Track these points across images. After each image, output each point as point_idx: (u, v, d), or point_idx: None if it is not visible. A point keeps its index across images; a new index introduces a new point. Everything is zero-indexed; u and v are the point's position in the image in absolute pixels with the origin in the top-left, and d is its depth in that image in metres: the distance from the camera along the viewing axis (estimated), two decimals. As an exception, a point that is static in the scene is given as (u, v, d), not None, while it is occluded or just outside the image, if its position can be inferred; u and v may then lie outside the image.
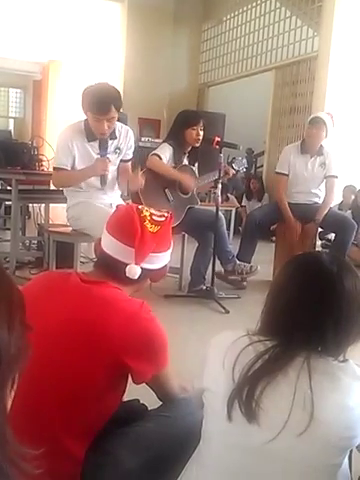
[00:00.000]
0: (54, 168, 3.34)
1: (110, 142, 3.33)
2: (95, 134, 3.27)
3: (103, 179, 3.34)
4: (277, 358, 1.12)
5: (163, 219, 1.46)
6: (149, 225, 1.41)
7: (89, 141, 3.30)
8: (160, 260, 1.47)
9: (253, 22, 8.07)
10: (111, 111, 3.15)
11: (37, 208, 4.97)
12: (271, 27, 7.64)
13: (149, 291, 3.76)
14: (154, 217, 1.44)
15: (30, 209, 5.23)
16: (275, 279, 1.26)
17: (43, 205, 4.80)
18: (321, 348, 1.14)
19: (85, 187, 3.39)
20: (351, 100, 6.41)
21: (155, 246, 1.42)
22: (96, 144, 3.30)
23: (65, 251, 3.69)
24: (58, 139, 3.38)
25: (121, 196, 3.65)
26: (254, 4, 8.03)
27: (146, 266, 1.42)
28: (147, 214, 1.43)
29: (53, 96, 12.60)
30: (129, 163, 3.54)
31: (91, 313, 1.31)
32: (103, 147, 3.29)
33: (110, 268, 1.43)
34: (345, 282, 1.15)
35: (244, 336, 1.18)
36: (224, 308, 3.71)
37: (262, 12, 7.86)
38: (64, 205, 3.57)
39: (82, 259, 4.17)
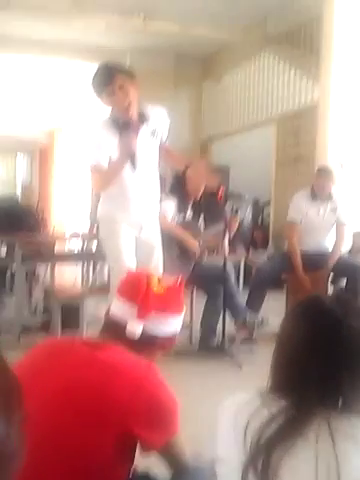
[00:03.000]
0: (90, 169, 3.05)
1: (143, 126, 3.04)
2: (121, 119, 2.97)
3: (133, 161, 2.99)
4: (293, 420, 1.01)
5: (171, 283, 1.46)
6: (156, 287, 1.41)
7: (118, 129, 3.01)
8: (166, 323, 1.42)
9: (252, 77, 8.24)
10: (116, 78, 2.90)
11: (43, 272, 4.94)
12: (270, 81, 7.79)
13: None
14: (163, 281, 1.45)
15: (37, 273, 5.20)
16: (280, 330, 1.16)
17: (49, 268, 4.76)
18: (341, 403, 1.03)
19: (117, 192, 3.07)
20: (354, 147, 6.43)
21: (160, 305, 1.38)
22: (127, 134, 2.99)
23: (72, 313, 3.63)
24: (88, 137, 3.13)
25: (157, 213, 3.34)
26: (252, 59, 8.22)
27: (150, 327, 1.37)
28: (156, 278, 1.44)
29: (59, 162, 12.90)
30: (168, 143, 3.26)
31: (96, 380, 1.25)
32: (125, 128, 2.97)
33: (115, 330, 1.40)
34: (351, 323, 1.05)
35: (255, 397, 1.08)
36: (237, 364, 3.58)
37: (260, 67, 8.04)
38: (68, 267, 3.51)
39: (89, 319, 4.07)
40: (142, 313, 1.36)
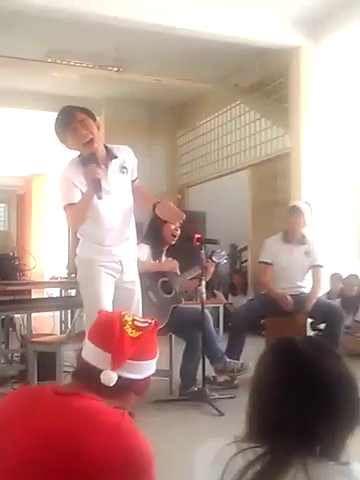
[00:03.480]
0: (64, 209, 3.03)
1: (114, 162, 3.05)
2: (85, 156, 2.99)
3: (97, 186, 2.92)
4: (269, 467, 0.99)
5: (146, 325, 1.39)
6: (130, 330, 1.35)
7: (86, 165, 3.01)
8: (141, 369, 1.38)
9: (225, 126, 8.44)
10: (76, 115, 2.94)
11: (20, 319, 4.86)
12: (242, 129, 7.99)
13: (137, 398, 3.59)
14: (136, 323, 1.38)
15: (14, 321, 5.12)
16: (253, 373, 1.15)
17: (25, 315, 4.69)
18: (319, 448, 1.01)
19: (94, 234, 3.07)
20: (328, 190, 6.58)
21: (135, 352, 1.33)
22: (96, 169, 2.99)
23: (49, 361, 3.56)
24: (59, 181, 3.11)
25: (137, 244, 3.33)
26: (224, 109, 8.44)
27: (125, 375, 1.33)
28: (129, 319, 1.38)
29: (37, 209, 12.92)
30: (138, 181, 3.25)
31: (66, 430, 1.20)
32: (87, 160, 2.96)
33: (87, 377, 1.34)
34: (325, 365, 1.04)
35: (231, 443, 1.07)
36: (218, 410, 3.54)
37: (233, 116, 8.25)
38: (47, 314, 3.46)
39: (67, 369, 3.99)
40: (117, 363, 1.31)
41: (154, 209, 3.05)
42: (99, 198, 2.93)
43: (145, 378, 1.40)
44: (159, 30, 5.96)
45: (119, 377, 1.32)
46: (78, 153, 3.12)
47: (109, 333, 1.33)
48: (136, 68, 7.18)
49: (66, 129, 2.96)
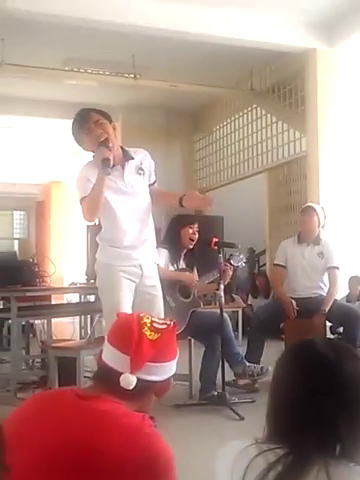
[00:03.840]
0: (80, 202, 3.03)
1: (130, 163, 3.06)
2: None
3: (105, 163, 2.89)
4: (291, 469, 0.99)
5: (165, 327, 1.39)
6: (148, 332, 1.35)
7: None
8: (161, 371, 1.37)
9: (241, 130, 8.45)
10: (92, 116, 3.01)
11: (41, 325, 4.91)
12: (259, 133, 7.99)
13: (157, 402, 3.60)
14: (155, 324, 1.38)
15: (35, 327, 5.17)
16: (273, 375, 1.15)
17: (45, 321, 4.73)
18: (339, 450, 1.01)
19: (113, 238, 3.07)
20: (345, 193, 6.55)
21: (154, 355, 1.34)
22: (112, 171, 2.99)
23: (69, 367, 3.58)
24: (76, 180, 3.13)
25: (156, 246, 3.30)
26: (240, 114, 8.46)
27: (145, 377, 1.33)
28: (147, 321, 1.38)
29: (55, 215, 13.05)
30: (156, 185, 3.24)
31: (86, 432, 1.20)
32: (101, 144, 2.95)
33: (107, 379, 1.34)
34: (345, 366, 1.04)
35: (252, 445, 1.07)
36: (238, 414, 3.53)
37: (249, 120, 8.26)
38: (67, 319, 3.48)
39: (88, 374, 4.03)
40: (135, 366, 1.31)
41: (181, 202, 3.03)
42: (107, 174, 2.92)
43: (165, 379, 1.40)
44: (175, 36, 6.00)
45: (139, 379, 1.32)
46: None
47: (128, 336, 1.33)
48: (152, 74, 7.23)
49: (81, 129, 3.01)
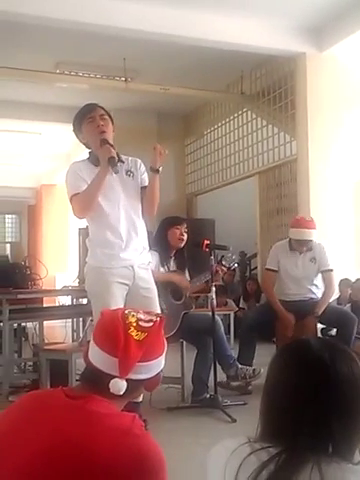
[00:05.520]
0: (70, 199, 3.06)
1: (119, 164, 3.06)
2: (98, 155, 3.03)
3: (112, 161, 2.95)
4: (285, 467, 1.00)
5: (151, 325, 1.36)
6: (134, 333, 1.32)
7: (96, 165, 3.07)
8: (150, 369, 1.36)
9: (232, 133, 8.48)
10: (98, 109, 3.13)
11: (32, 329, 4.89)
12: (249, 136, 8.03)
13: (149, 406, 3.61)
14: (141, 323, 1.35)
15: (27, 330, 5.14)
16: (266, 375, 1.16)
17: (37, 324, 4.72)
18: (332, 449, 1.02)
19: (103, 239, 3.08)
20: (335, 196, 6.59)
21: (142, 355, 1.32)
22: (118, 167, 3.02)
23: (61, 370, 3.58)
24: (66, 176, 3.15)
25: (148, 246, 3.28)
26: (231, 117, 8.50)
27: (134, 377, 1.32)
28: (133, 320, 1.34)
29: (48, 219, 13.03)
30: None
31: (76, 433, 1.19)
32: (105, 142, 3.01)
33: (95, 380, 1.32)
34: (339, 367, 1.05)
35: (245, 444, 1.08)
36: (230, 417, 3.54)
37: (239, 124, 8.29)
38: (59, 322, 3.48)
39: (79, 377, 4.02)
40: (124, 370, 1.29)
41: (152, 169, 3.10)
42: (116, 172, 2.99)
43: (156, 375, 1.38)
44: (166, 40, 6.02)
45: (129, 380, 1.30)
46: (87, 155, 3.19)
47: (114, 338, 1.31)
48: (144, 78, 7.24)
49: (84, 118, 3.11)
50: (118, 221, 3.08)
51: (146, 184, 3.21)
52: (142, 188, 3.20)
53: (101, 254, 3.08)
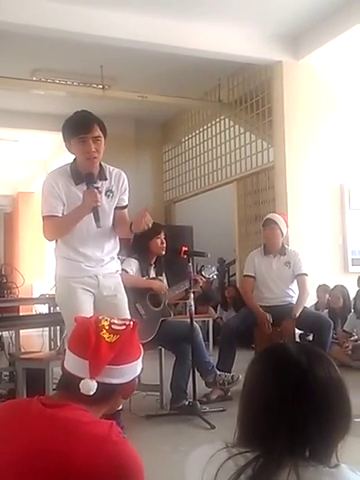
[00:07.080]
0: (43, 217, 2.98)
1: (100, 183, 2.98)
2: (82, 171, 2.93)
3: (96, 215, 2.89)
4: (261, 472, 0.99)
5: (123, 328, 1.36)
6: (106, 335, 1.32)
7: (76, 184, 2.96)
8: (123, 373, 1.35)
9: (210, 140, 8.53)
10: (95, 128, 2.88)
11: (9, 338, 4.82)
12: (227, 143, 8.08)
13: (129, 413, 3.59)
14: (113, 326, 1.35)
15: (3, 339, 5.07)
16: (244, 380, 1.15)
17: (13, 333, 4.65)
18: (309, 452, 1.03)
19: (63, 253, 3.04)
20: (312, 202, 6.66)
21: (114, 357, 1.31)
22: (85, 187, 2.92)
23: (38, 379, 3.53)
24: (43, 185, 3.04)
25: (118, 254, 3.23)
26: (209, 125, 8.55)
27: (107, 381, 1.31)
28: (105, 323, 1.35)
29: (24, 227, 12.89)
30: (126, 210, 3.16)
31: (53, 441, 1.18)
32: (90, 179, 2.92)
33: (69, 387, 1.31)
34: (317, 371, 1.05)
35: (222, 449, 1.07)
36: (209, 423, 3.53)
37: (217, 131, 8.35)
38: (36, 330, 3.43)
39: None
40: (94, 371, 1.29)
41: (131, 228, 3.03)
42: (98, 227, 2.92)
43: (130, 381, 1.37)
44: (143, 47, 6.03)
45: (101, 383, 1.30)
46: (67, 162, 3.09)
47: (85, 340, 1.31)
48: (121, 85, 7.25)
49: (77, 135, 2.89)
50: (85, 238, 3.04)
51: (123, 205, 3.15)
52: (117, 208, 3.12)
53: (66, 264, 3.07)
